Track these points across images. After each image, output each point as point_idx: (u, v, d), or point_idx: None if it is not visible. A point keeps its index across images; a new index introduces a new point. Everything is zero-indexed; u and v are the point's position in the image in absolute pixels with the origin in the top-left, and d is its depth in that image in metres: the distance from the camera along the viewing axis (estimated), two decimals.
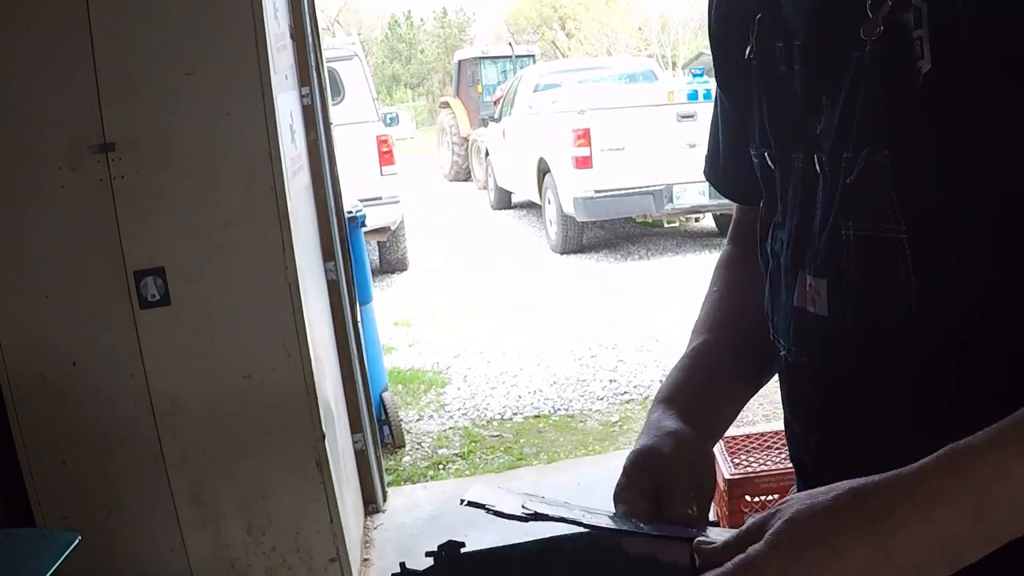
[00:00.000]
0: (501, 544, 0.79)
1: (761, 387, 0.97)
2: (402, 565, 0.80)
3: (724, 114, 0.97)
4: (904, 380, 0.70)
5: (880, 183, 0.70)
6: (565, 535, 0.82)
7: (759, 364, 0.94)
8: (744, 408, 0.96)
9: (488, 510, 0.74)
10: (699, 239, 8.85)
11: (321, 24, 3.39)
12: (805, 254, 0.79)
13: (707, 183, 6.59)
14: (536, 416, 4.55)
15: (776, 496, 2.75)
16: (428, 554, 0.78)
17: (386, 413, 4.14)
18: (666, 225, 8.49)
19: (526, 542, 0.80)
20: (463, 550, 0.79)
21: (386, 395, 4.18)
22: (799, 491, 0.75)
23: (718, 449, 2.94)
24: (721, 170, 1.01)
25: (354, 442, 3.27)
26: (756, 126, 0.84)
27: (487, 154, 12.47)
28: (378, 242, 8.03)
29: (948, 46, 0.64)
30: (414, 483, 3.85)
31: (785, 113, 0.79)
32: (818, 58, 0.75)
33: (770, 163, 0.83)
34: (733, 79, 0.90)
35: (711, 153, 1.02)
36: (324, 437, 2.51)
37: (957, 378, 0.67)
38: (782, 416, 0.89)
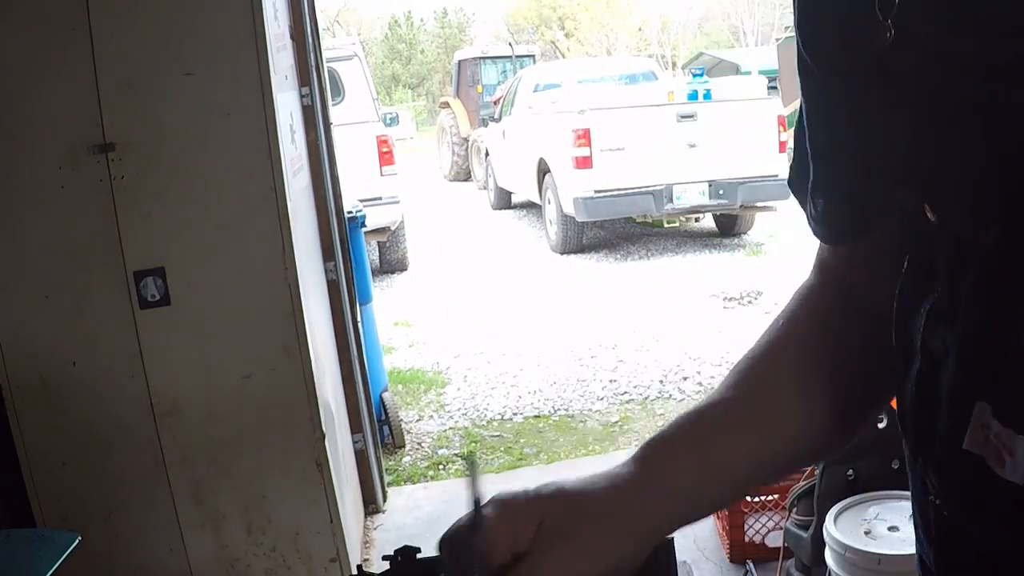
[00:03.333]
0: None
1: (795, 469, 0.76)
2: (359, 568, 0.81)
3: (813, 127, 0.66)
4: None
5: None
6: None
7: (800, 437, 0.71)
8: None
9: None
10: (699, 239, 8.85)
11: (321, 24, 3.39)
12: (988, 381, 0.52)
13: (707, 183, 6.61)
14: (536, 416, 4.55)
15: (776, 496, 2.74)
16: (385, 558, 0.79)
17: (386, 413, 4.14)
18: (666, 225, 8.49)
19: None
20: (419, 555, 0.80)
21: (386, 395, 4.18)
22: None
23: None
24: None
25: (354, 442, 3.27)
26: (900, 153, 0.56)
27: (487, 154, 12.47)
28: (378, 242, 8.03)
29: None
30: (414, 483, 3.85)
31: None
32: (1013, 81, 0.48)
33: (930, 215, 0.56)
34: (834, 83, 0.61)
35: (797, 164, 0.71)
36: (324, 437, 2.51)
37: None
38: None
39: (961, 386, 0.54)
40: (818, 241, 0.73)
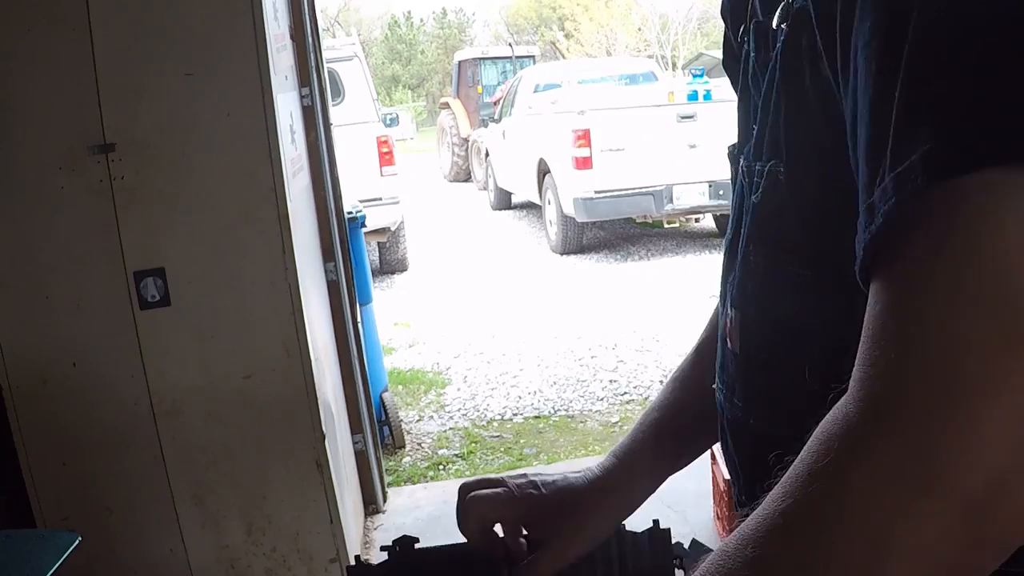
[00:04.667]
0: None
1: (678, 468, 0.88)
2: (356, 558, 0.81)
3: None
4: None
5: (782, 206, 0.59)
6: None
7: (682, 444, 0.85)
8: None
9: None
10: (699, 239, 8.85)
11: (321, 25, 3.39)
12: (728, 278, 0.69)
13: (707, 183, 6.62)
14: (536, 417, 4.55)
15: None
16: (383, 548, 0.80)
17: (386, 414, 4.14)
18: (666, 226, 8.49)
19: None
20: (417, 546, 0.80)
21: (386, 395, 4.18)
22: None
23: (717, 447, 2.93)
24: None
25: (354, 442, 3.27)
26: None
27: (487, 155, 12.47)
28: (378, 243, 8.03)
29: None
30: (414, 483, 3.85)
31: (744, 109, 0.70)
32: (763, 44, 0.63)
33: (730, 163, 0.74)
34: (729, 65, 0.77)
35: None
36: (324, 437, 2.51)
37: None
38: None
39: (721, 288, 0.71)
40: None
